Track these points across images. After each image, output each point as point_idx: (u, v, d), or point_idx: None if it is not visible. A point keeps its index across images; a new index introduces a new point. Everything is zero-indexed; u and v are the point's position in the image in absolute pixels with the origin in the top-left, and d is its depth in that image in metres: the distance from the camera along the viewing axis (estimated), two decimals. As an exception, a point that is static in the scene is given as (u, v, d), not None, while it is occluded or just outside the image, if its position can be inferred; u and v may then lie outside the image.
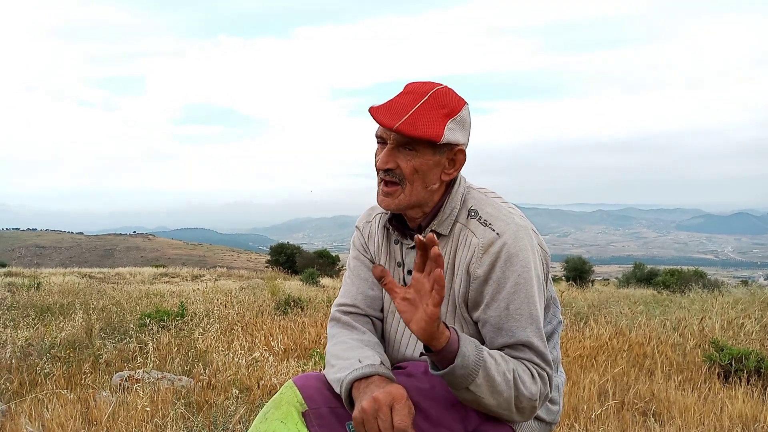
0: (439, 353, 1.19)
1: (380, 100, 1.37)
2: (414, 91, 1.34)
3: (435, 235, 1.42)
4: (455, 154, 1.38)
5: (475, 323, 1.38)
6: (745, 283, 18.59)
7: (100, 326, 5.95)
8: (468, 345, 1.22)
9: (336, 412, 1.31)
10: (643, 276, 19.13)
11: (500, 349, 1.31)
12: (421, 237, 1.14)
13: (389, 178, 1.35)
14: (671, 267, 18.72)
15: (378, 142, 1.39)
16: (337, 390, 1.30)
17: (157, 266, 26.47)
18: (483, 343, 1.36)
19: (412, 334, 1.46)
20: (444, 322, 1.21)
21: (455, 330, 1.22)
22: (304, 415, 1.29)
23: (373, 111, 1.32)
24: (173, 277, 19.96)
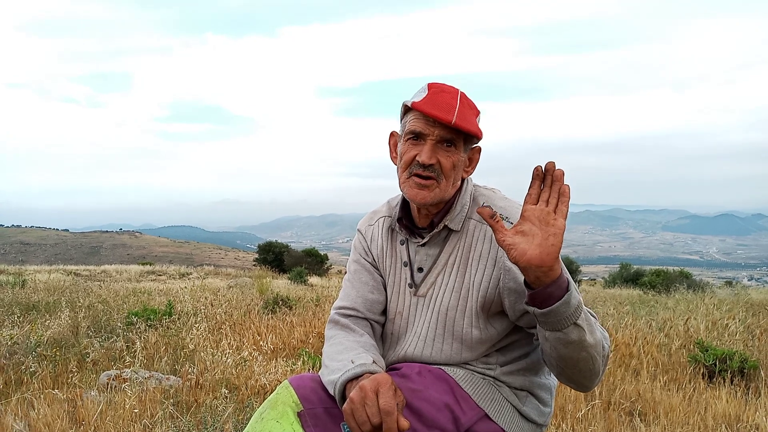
0: (554, 283, 1.17)
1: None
2: (446, 90, 1.38)
3: (446, 231, 1.44)
4: (473, 154, 1.46)
5: (486, 320, 1.40)
6: (729, 284, 18.80)
7: (86, 325, 5.90)
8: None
9: (331, 412, 1.32)
10: (629, 276, 19.28)
11: None
12: (541, 166, 1.19)
13: (428, 173, 1.37)
14: (657, 267, 18.87)
15: (409, 139, 1.40)
16: (332, 392, 1.31)
17: (143, 264, 26.27)
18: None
19: (417, 333, 1.46)
20: None
21: None
22: (299, 415, 1.30)
23: (423, 106, 1.34)
24: (160, 275, 19.83)
